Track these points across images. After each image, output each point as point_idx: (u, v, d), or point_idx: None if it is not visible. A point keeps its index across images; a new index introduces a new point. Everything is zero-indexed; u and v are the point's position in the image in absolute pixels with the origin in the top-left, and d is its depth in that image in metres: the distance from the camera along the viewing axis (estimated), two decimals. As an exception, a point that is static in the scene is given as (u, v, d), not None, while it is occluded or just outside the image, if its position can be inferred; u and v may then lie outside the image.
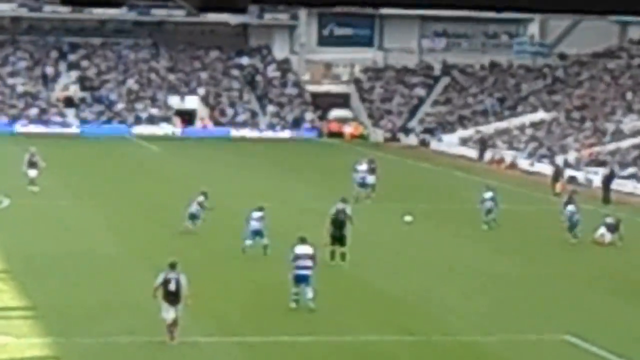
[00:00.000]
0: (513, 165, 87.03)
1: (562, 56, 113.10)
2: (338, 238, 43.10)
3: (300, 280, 35.99)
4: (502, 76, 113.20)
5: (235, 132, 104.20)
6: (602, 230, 51.76)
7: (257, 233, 46.13)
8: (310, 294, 35.73)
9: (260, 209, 47.09)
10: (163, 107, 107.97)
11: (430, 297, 40.85)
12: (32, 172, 63.27)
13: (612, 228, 51.74)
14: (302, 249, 36.46)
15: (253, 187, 63.36)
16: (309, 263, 35.97)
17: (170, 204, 59.03)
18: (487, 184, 58.12)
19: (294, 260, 36.28)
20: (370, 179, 65.43)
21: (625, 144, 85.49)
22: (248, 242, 46.03)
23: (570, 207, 52.37)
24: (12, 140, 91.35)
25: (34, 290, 39.20)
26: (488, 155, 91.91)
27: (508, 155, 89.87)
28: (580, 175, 75.06)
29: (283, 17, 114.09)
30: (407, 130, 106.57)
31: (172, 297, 31.57)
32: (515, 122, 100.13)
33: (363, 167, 65.63)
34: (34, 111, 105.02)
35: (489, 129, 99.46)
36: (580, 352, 33.07)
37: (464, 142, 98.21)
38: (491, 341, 33.88)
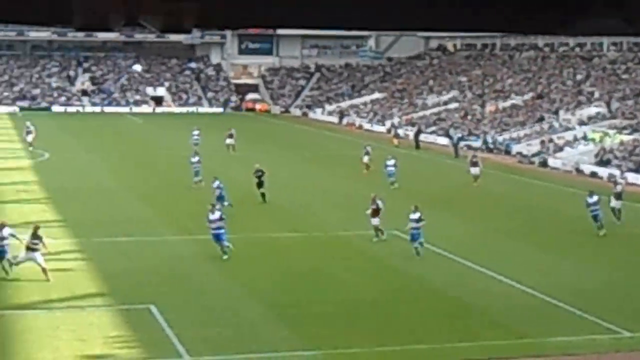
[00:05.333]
0: (360, 127, 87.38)
1: (390, 59, 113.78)
2: (259, 184, 41.57)
3: (217, 238, 30.30)
4: (353, 72, 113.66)
5: (187, 109, 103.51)
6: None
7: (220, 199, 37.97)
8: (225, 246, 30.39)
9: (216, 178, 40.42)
10: (143, 95, 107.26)
11: (311, 208, 41.32)
12: (29, 137, 61.99)
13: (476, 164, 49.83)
14: (215, 216, 30.46)
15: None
16: (221, 224, 30.33)
17: (148, 156, 58.90)
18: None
19: (209, 223, 30.50)
20: (230, 141, 62.55)
21: (429, 112, 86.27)
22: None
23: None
24: (50, 117, 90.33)
25: (65, 209, 39.15)
26: (344, 121, 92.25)
27: (357, 121, 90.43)
28: (402, 132, 75.76)
29: (216, 37, 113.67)
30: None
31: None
32: (361, 100, 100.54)
33: (196, 132, 62.79)
34: (62, 99, 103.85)
35: (345, 105, 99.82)
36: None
37: (329, 113, 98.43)
38: (350, 235, 34.21)
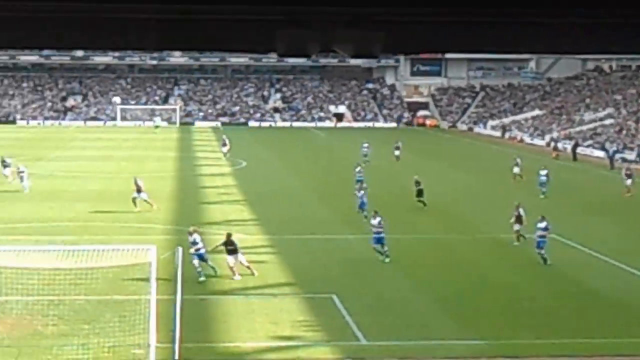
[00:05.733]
0: (521, 140, 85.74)
1: (549, 79, 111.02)
2: (418, 193, 41.08)
3: (378, 241, 29.54)
4: (515, 91, 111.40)
5: (365, 124, 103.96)
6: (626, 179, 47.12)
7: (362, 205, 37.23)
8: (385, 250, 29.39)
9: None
10: (326, 111, 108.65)
11: (475, 213, 40.76)
12: (224, 149, 63.73)
13: (630, 176, 47.37)
14: (375, 221, 29.73)
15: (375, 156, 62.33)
16: (380, 229, 29.45)
17: (329, 165, 59.42)
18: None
19: (372, 227, 29.85)
20: (397, 152, 61.91)
21: (585, 127, 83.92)
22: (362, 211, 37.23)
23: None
24: (247, 131, 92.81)
25: (259, 209, 40.12)
26: (507, 135, 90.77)
27: (518, 135, 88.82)
28: (560, 145, 73.90)
29: (391, 61, 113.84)
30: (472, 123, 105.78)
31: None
32: (522, 116, 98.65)
33: (366, 144, 61.49)
34: (257, 115, 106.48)
35: (507, 120, 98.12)
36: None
37: (492, 128, 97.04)
38: (510, 237, 33.19)
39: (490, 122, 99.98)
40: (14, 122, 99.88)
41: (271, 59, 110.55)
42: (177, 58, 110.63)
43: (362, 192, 38.42)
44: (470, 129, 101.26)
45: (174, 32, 8.20)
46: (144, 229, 34.14)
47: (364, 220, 35.54)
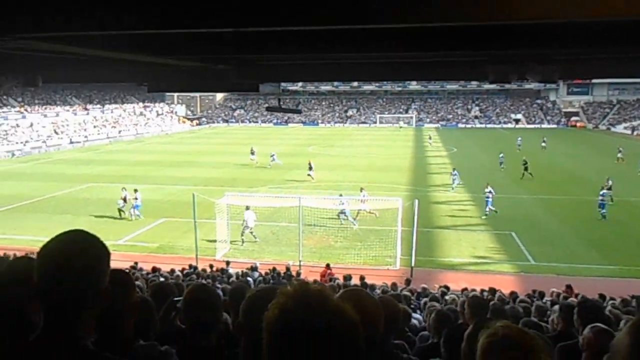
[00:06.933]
0: (645, 137, 76.74)
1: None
2: (525, 169, 37.41)
3: (487, 203, 26.04)
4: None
5: (534, 126, 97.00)
6: None
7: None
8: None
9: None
10: (508, 118, 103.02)
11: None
12: (430, 141, 61.66)
13: None
14: (487, 189, 26.49)
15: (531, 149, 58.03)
16: (489, 194, 26.23)
17: (506, 148, 55.57)
18: None
19: (485, 193, 26.49)
20: (543, 144, 55.91)
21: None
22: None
23: None
24: (456, 130, 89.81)
25: (464, 177, 37.98)
26: (635, 133, 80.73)
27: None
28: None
29: (552, 85, 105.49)
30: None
31: None
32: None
33: (519, 138, 56.06)
34: (463, 120, 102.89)
35: (635, 123, 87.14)
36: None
37: (625, 128, 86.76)
38: (636, 200, 30.13)
39: (623, 124, 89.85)
40: (317, 124, 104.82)
41: (472, 85, 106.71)
42: (413, 85, 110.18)
43: (455, 171, 35.02)
44: (608, 129, 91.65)
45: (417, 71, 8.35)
46: (394, 187, 34.35)
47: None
